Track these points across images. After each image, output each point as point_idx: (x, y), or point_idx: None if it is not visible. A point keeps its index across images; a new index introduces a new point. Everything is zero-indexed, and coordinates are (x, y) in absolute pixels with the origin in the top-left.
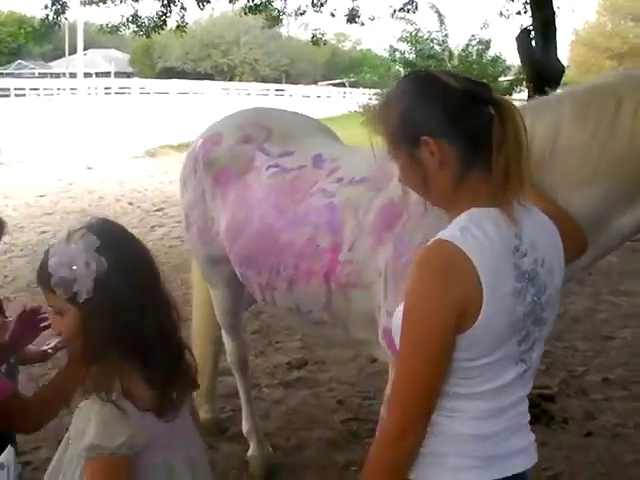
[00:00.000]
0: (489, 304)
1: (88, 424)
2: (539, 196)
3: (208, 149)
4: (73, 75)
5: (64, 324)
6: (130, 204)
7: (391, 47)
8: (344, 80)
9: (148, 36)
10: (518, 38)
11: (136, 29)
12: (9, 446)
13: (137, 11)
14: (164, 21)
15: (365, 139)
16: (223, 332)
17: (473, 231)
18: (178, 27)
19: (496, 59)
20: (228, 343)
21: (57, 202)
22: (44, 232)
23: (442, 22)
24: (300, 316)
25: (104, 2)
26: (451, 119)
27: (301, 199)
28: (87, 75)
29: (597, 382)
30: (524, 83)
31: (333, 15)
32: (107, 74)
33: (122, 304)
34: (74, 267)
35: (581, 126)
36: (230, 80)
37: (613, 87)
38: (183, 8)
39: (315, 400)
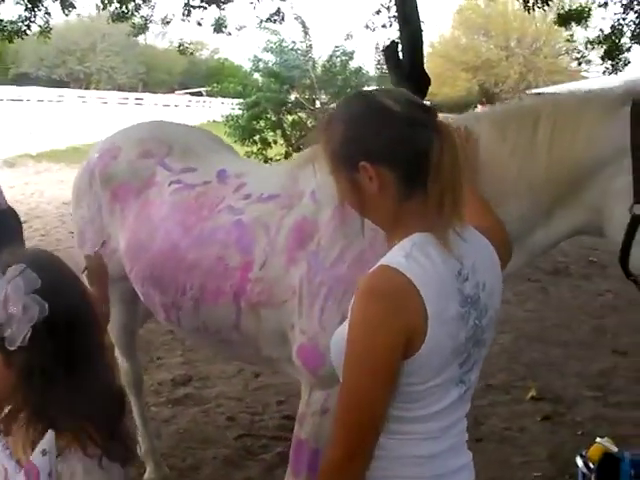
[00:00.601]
0: (434, 330)
1: None
2: (478, 207)
3: (106, 163)
4: None
5: None
6: None
7: (255, 57)
8: (202, 89)
9: (11, 41)
10: (386, 51)
11: None
12: (50, 431)
13: None
14: (28, 26)
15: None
16: (117, 351)
17: (418, 257)
18: (42, 32)
19: (359, 70)
20: (122, 363)
21: None
22: None
23: (306, 33)
24: (207, 335)
25: None
26: (391, 144)
27: (207, 216)
28: None
29: (481, 388)
30: None
31: (200, 24)
32: None
33: (62, 357)
34: (10, 309)
35: (500, 145)
36: (86, 88)
37: (531, 109)
38: (47, 13)
39: (205, 417)
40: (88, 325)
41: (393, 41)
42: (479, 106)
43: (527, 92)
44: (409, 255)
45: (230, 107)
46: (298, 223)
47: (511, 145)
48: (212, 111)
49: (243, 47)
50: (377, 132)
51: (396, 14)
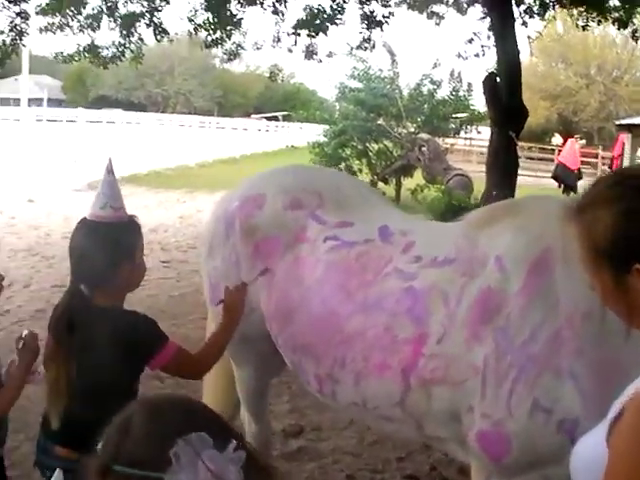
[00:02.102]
0: None
1: None
2: None
3: (249, 213)
4: (3, 100)
5: None
6: None
7: (342, 84)
8: (278, 114)
9: (105, 67)
10: (486, 82)
11: (92, 59)
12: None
13: (94, 40)
14: (122, 52)
15: None
16: (244, 413)
17: None
18: (134, 58)
19: (446, 100)
20: (250, 425)
21: (1, 238)
22: None
23: (394, 60)
24: (364, 410)
25: (62, 30)
26: None
27: (372, 280)
28: (16, 101)
29: None
30: (473, 124)
31: (291, 51)
32: (39, 100)
33: None
34: None
35: None
36: (164, 111)
37: None
38: (141, 39)
39: (324, 475)
40: None
41: (492, 72)
42: (556, 134)
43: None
44: None
45: (316, 134)
46: (483, 294)
47: None
48: (288, 136)
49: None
50: None
51: (488, 43)
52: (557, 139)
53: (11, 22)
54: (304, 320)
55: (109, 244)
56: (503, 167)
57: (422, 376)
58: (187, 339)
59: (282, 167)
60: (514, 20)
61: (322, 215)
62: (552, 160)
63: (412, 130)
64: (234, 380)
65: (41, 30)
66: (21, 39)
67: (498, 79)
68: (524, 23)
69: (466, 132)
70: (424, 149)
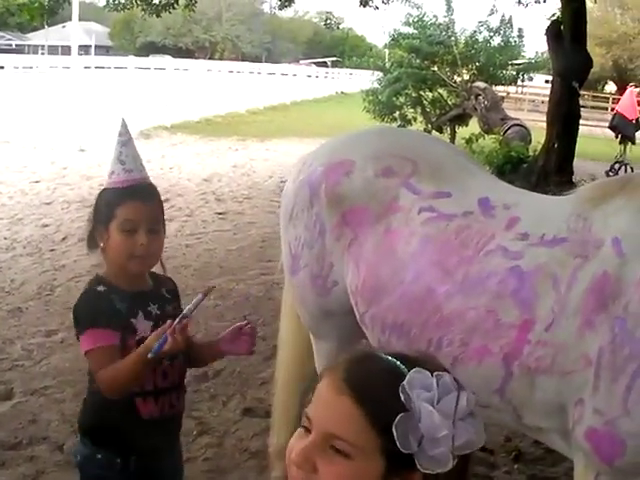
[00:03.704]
0: None
1: None
2: None
3: (336, 180)
4: (52, 48)
5: (347, 474)
6: None
7: (395, 31)
8: (327, 60)
9: (158, 15)
10: (549, 30)
11: (145, 7)
12: None
13: None
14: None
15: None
16: None
17: None
18: (187, 6)
19: (502, 47)
20: None
21: (54, 189)
22: (46, 225)
23: (449, 7)
24: None
25: None
26: None
27: (473, 257)
28: (64, 49)
29: None
30: (528, 72)
31: None
32: (87, 47)
33: None
34: (458, 424)
35: None
36: (211, 57)
37: None
38: None
39: None
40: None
41: (556, 20)
42: (610, 82)
43: None
44: None
45: (369, 81)
46: (598, 279)
47: None
48: (337, 82)
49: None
50: None
51: None
52: (611, 87)
53: None
54: (396, 297)
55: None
56: (565, 118)
57: (526, 364)
58: (248, 296)
59: (369, 129)
60: None
61: (416, 184)
62: (606, 109)
63: (467, 78)
64: (311, 351)
65: None
66: None
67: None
68: None
69: (522, 80)
70: (481, 98)
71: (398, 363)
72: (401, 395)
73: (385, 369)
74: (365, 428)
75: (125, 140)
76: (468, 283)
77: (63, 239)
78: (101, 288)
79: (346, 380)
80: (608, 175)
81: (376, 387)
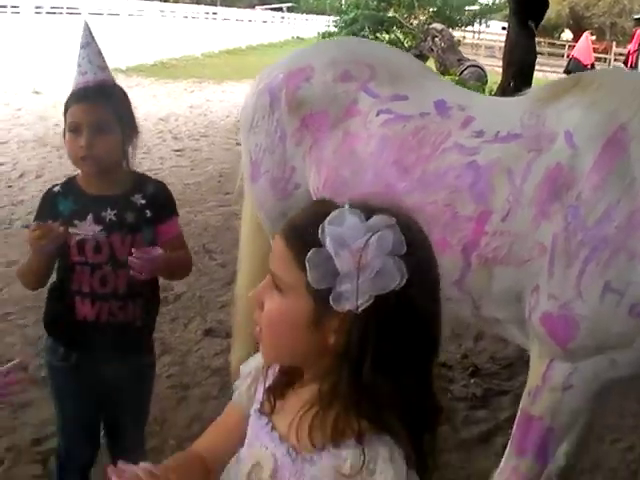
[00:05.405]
0: None
1: None
2: None
3: (296, 85)
4: None
5: (280, 309)
6: None
7: None
8: (283, 5)
9: None
10: None
11: None
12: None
13: None
14: None
15: None
16: None
17: None
18: None
19: None
20: None
21: (9, 130)
22: (1, 164)
23: None
24: None
25: None
26: None
27: (431, 155)
28: None
29: None
30: (484, 16)
31: None
32: None
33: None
34: (364, 260)
35: None
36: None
37: None
38: None
39: None
40: (433, 318)
41: None
42: (566, 30)
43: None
44: None
45: (325, 25)
46: (551, 170)
47: None
48: (296, 28)
49: None
50: None
51: None
52: (567, 34)
53: None
54: (357, 196)
55: None
56: (521, 57)
57: (484, 254)
58: (207, 226)
59: (330, 40)
60: None
61: (374, 88)
62: (562, 56)
63: (424, 20)
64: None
65: None
66: None
67: None
68: None
69: (480, 24)
70: (437, 40)
71: (345, 208)
72: (319, 232)
73: (326, 213)
74: (292, 265)
75: (83, 43)
76: (426, 179)
77: (20, 176)
78: (57, 189)
79: (286, 224)
80: None
81: (304, 227)
